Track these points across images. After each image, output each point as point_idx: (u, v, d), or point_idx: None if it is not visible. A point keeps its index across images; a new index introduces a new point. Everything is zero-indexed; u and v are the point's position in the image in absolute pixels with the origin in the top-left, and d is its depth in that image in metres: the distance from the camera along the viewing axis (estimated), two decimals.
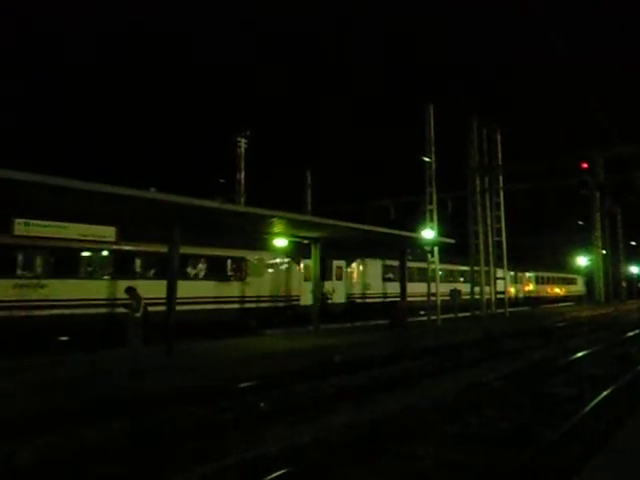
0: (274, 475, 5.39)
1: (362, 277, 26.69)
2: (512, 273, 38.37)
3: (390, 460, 6.13)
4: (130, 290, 12.47)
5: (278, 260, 21.87)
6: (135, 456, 6.35)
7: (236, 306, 19.89)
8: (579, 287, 56.59)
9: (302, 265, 22.62)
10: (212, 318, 18.24)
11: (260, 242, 20.19)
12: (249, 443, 6.72)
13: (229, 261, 20.28)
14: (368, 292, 26.83)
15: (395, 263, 25.80)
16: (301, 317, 21.01)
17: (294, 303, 22.11)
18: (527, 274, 43.43)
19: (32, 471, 5.88)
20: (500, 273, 31.75)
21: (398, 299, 23.70)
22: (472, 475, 5.73)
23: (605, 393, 9.00)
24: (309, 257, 20.26)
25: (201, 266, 19.23)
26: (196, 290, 18.22)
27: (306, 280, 22.11)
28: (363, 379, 11.08)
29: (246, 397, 9.32)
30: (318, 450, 6.35)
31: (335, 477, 5.70)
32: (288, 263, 22.26)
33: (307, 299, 21.41)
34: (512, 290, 38.50)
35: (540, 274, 46.26)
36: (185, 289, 16.30)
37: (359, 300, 26.11)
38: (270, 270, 21.60)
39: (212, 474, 5.66)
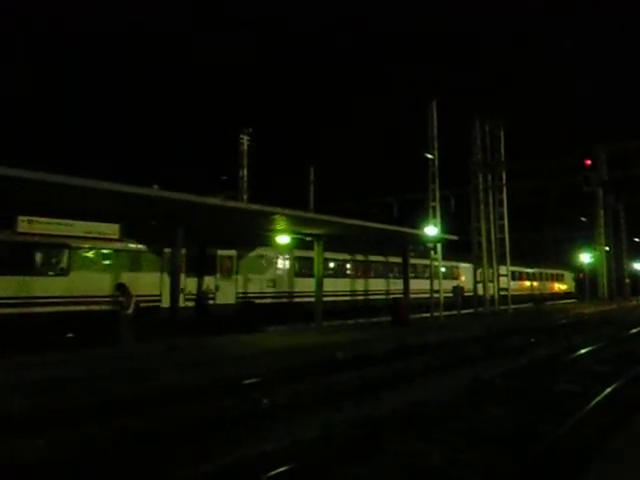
0: (276, 472, 5.41)
1: (262, 272, 21.73)
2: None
3: (392, 457, 6.14)
4: (121, 287, 12.52)
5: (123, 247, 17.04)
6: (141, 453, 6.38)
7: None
8: (567, 284, 53.94)
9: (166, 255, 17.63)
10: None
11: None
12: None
13: None
14: (271, 291, 22.03)
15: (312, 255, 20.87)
16: (165, 324, 15.06)
17: (152, 305, 17.03)
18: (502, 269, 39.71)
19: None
20: (467, 267, 29.81)
21: (313, 299, 20.20)
22: (474, 472, 5.73)
23: (608, 390, 8.99)
24: (176, 244, 15.39)
25: None
26: None
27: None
28: (365, 376, 11.09)
29: (250, 394, 9.34)
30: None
31: (337, 474, 5.71)
32: (141, 253, 17.64)
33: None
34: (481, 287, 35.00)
35: (518, 269, 40.88)
36: None
37: (258, 300, 21.08)
38: (107, 262, 16.80)
39: (214, 471, 5.69)
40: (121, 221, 16.03)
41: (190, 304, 18.25)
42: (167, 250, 16.73)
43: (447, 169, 27.57)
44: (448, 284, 27.62)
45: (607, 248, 44.14)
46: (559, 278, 52.83)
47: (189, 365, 11.65)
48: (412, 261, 27.95)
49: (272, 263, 22.37)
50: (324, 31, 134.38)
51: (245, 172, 37.74)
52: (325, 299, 22.60)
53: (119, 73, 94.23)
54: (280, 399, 9.01)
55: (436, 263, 26.03)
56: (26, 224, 14.42)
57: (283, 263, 22.97)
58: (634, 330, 19.94)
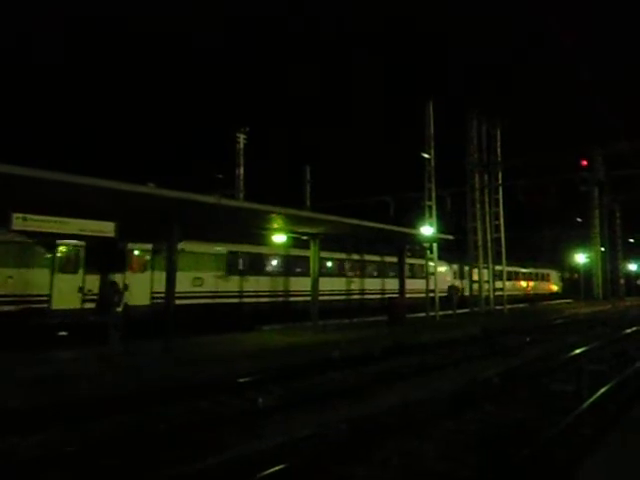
0: (270, 471, 5.40)
1: (188, 269, 19.06)
2: (455, 266, 33.97)
3: (388, 456, 6.14)
4: (112, 284, 12.54)
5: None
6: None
7: None
8: (553, 284, 51.90)
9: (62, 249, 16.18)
10: None
11: None
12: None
13: None
14: (198, 290, 19.54)
15: (253, 249, 20.26)
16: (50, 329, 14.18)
17: (37, 307, 15.38)
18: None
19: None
20: (443, 266, 27.81)
21: (253, 299, 19.62)
22: (469, 470, 5.74)
23: (603, 390, 9.02)
24: (70, 237, 14.21)
25: None
26: None
27: (63, 272, 16.10)
28: (361, 374, 11.10)
29: (246, 393, 9.33)
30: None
31: (333, 472, 5.70)
32: (27, 246, 15.54)
33: (64, 300, 15.76)
34: (458, 286, 33.84)
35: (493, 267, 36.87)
36: None
37: (180, 301, 17.23)
38: None
39: (209, 469, 5.67)
40: (116, 219, 15.87)
41: (92, 305, 16.31)
42: (61, 242, 15.56)
43: (443, 168, 27.55)
44: (421, 283, 26.98)
45: (602, 248, 44.29)
46: (544, 277, 50.29)
47: (186, 363, 11.67)
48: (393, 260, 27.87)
49: (198, 260, 19.71)
50: (321, 28, 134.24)
51: (241, 170, 37.74)
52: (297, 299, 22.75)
53: (116, 71, 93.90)
54: (275, 398, 9.01)
55: (431, 263, 26.06)
56: (21, 221, 14.25)
57: (210, 260, 20.28)
58: (628, 330, 20.02)
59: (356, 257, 27.30)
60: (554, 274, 52.83)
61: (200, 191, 18.26)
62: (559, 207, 40.64)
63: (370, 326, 21.19)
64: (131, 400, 8.44)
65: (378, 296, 27.60)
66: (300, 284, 23.11)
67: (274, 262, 23.41)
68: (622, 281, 51.22)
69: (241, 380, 10.05)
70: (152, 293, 17.85)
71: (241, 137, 37.80)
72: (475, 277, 30.79)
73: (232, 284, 20.94)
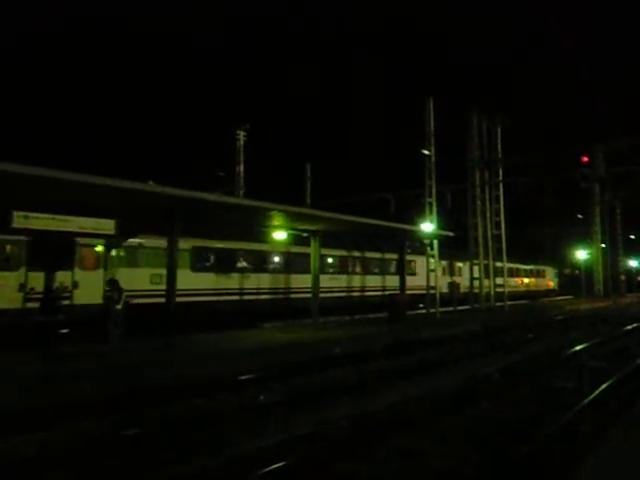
0: (270, 468, 5.40)
1: (146, 266, 17.99)
2: (444, 262, 32.08)
3: (388, 453, 6.14)
4: (112, 282, 12.55)
5: None
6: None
7: None
8: (548, 280, 50.92)
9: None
10: None
11: None
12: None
13: None
14: (158, 288, 17.25)
15: (222, 245, 18.80)
16: None
17: None
18: (465, 264, 33.74)
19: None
20: (433, 263, 26.06)
21: (223, 297, 18.75)
22: (470, 467, 5.74)
23: (604, 386, 9.02)
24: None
25: None
26: None
27: (1, 269, 15.10)
28: (362, 371, 11.10)
29: (246, 390, 9.33)
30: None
31: (334, 469, 5.70)
32: None
33: (3, 299, 14.67)
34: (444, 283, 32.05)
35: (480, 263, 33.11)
36: None
37: (138, 300, 16.64)
38: None
39: (209, 467, 5.68)
40: (117, 216, 15.83)
41: (36, 305, 15.28)
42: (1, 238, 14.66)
43: (444, 165, 27.47)
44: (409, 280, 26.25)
45: (603, 245, 44.27)
46: (539, 274, 48.93)
47: (186, 361, 11.68)
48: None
49: (157, 256, 18.04)
50: (321, 28, 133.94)
51: (242, 168, 37.72)
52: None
53: (116, 70, 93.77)
54: (276, 395, 9.02)
55: (432, 260, 26.03)
56: (22, 219, 14.22)
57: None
58: (629, 327, 20.02)
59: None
60: (550, 270, 52.22)
61: (201, 189, 18.26)
62: (560, 204, 40.67)
63: (371, 323, 21.20)
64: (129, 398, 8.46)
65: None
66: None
67: (247, 258, 21.90)
68: (623, 278, 51.22)
69: (242, 377, 10.06)
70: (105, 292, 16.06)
71: (241, 134, 37.77)
72: (465, 274, 30.55)
73: (199, 281, 19.34)
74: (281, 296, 22.72)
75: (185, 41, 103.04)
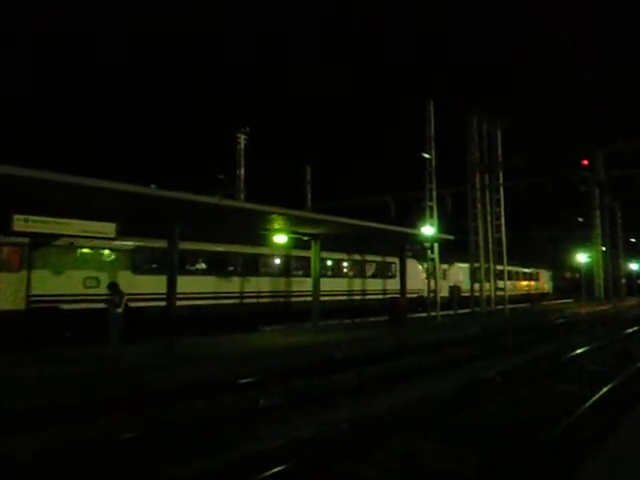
0: (273, 471, 5.39)
1: (79, 267, 16.11)
2: (445, 266, 31.98)
3: (389, 455, 6.14)
4: (113, 285, 12.56)
5: None
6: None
7: None
8: (542, 283, 50.19)
9: None
10: None
11: None
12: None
13: None
14: (89, 291, 16.01)
15: (164, 245, 15.17)
16: None
17: None
18: (456, 266, 34.17)
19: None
20: (413, 265, 26.52)
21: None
22: (469, 469, 5.74)
23: (605, 389, 9.01)
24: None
25: None
26: None
27: None
28: (363, 374, 11.09)
29: (247, 393, 9.33)
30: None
31: (335, 471, 5.70)
32: None
33: None
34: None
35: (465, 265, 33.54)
36: None
37: (67, 306, 15.40)
38: None
39: (210, 469, 5.67)
40: (117, 220, 15.84)
41: None
42: None
43: (444, 168, 27.50)
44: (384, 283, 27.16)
45: (603, 248, 44.23)
46: (532, 277, 47.75)
47: (188, 362, 11.68)
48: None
49: (95, 255, 16.56)
50: (321, 28, 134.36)
51: (242, 171, 37.74)
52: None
53: (117, 72, 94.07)
54: (277, 398, 9.01)
55: (432, 263, 26.04)
56: (22, 223, 14.19)
57: (115, 255, 16.98)
58: (629, 330, 19.99)
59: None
60: (544, 273, 51.49)
61: (201, 191, 18.28)
62: (560, 207, 40.64)
63: (371, 326, 21.20)
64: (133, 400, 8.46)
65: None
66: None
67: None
68: (623, 281, 51.17)
69: (243, 381, 10.05)
70: (29, 296, 14.77)
71: (242, 137, 37.79)
72: (452, 277, 30.81)
73: (143, 284, 17.24)
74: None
75: (186, 43, 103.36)
